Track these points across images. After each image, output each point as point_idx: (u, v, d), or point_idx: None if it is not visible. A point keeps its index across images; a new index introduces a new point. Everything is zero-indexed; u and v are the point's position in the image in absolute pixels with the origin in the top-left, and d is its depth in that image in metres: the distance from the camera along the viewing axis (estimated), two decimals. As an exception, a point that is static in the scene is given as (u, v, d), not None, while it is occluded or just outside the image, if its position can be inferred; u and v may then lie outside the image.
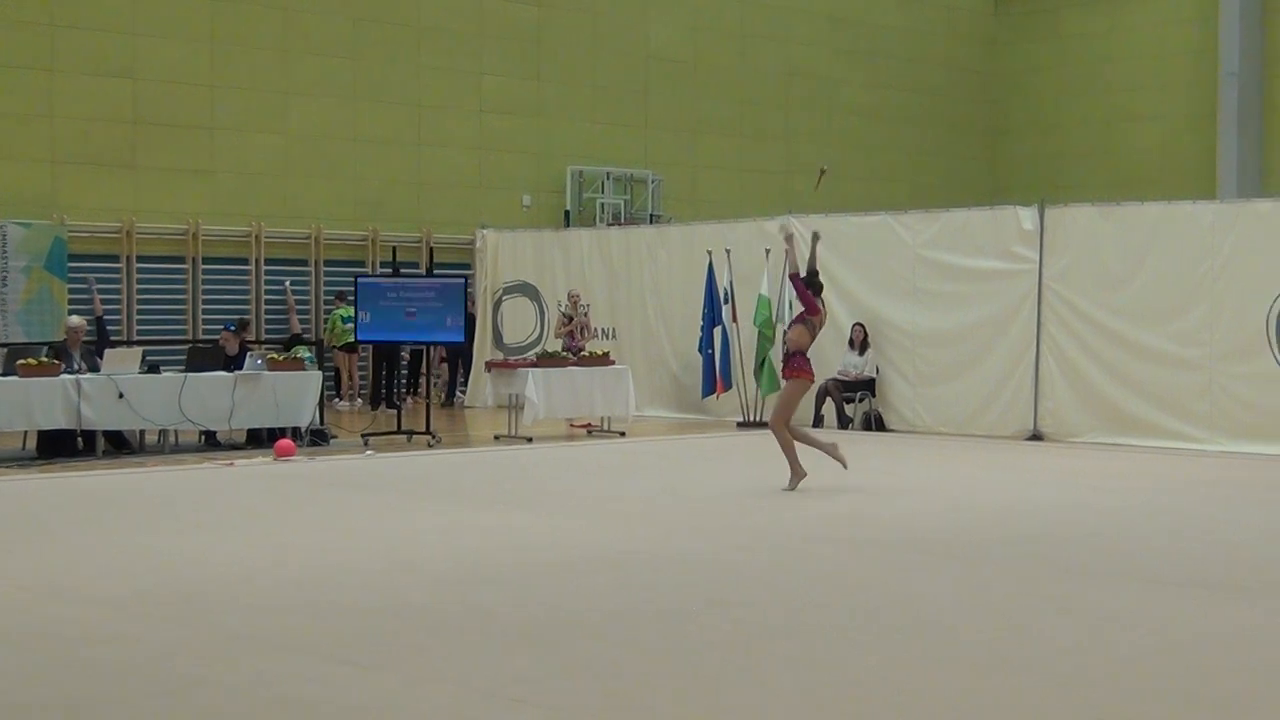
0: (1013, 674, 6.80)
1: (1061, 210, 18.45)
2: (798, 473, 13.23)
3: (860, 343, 19.55)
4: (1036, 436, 18.17)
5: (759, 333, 19.96)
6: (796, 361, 13.35)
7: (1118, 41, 31.67)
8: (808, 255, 14.03)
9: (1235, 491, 13.57)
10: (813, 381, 13.82)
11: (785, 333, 14.29)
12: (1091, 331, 17.89)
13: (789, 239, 13.93)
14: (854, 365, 19.55)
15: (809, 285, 13.47)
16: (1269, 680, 6.71)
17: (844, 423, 19.53)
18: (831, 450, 13.33)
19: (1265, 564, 9.83)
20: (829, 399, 19.60)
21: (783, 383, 14.04)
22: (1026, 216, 18.51)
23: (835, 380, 19.58)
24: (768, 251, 20.22)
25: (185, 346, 18.96)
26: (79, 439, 16.22)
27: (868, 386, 19.58)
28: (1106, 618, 8.01)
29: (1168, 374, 17.21)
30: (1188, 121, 30.45)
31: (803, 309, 13.52)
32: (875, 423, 19.50)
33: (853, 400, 19.58)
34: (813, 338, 13.53)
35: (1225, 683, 6.67)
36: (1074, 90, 32.27)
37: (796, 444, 13.31)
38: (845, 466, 13.41)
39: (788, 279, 13.85)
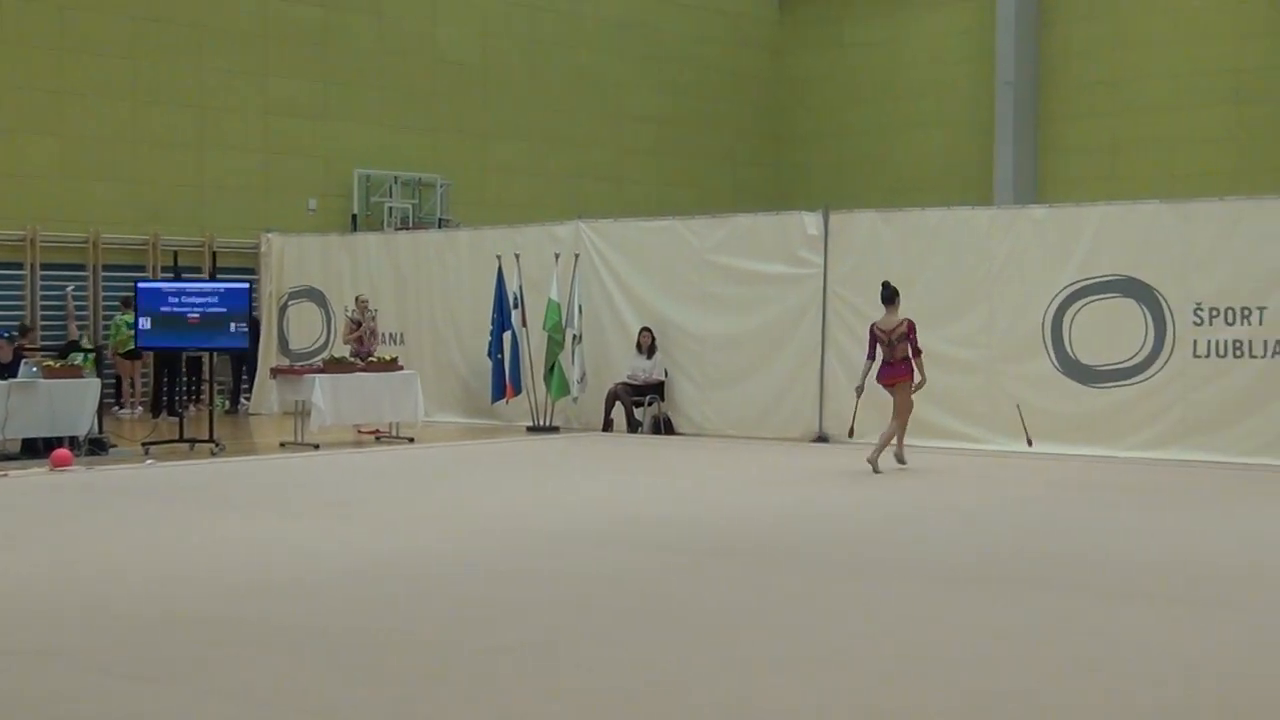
0: (792, 674, 6.87)
1: (845, 215, 18.79)
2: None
3: (648, 347, 19.66)
4: (822, 438, 18.45)
5: (549, 337, 19.96)
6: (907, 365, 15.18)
7: (899, 50, 32.32)
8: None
9: (1012, 490, 13.92)
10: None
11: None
12: (874, 334, 18.20)
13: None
14: (642, 369, 19.66)
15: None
16: (1051, 673, 6.87)
17: (633, 426, 19.63)
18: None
19: (1041, 559, 10.09)
20: (618, 403, 19.69)
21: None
22: (811, 222, 18.81)
23: (624, 384, 19.68)
24: (557, 256, 20.25)
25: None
26: None
27: (656, 390, 19.70)
28: (899, 615, 8.15)
29: (948, 376, 17.58)
30: (966, 129, 31.19)
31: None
32: (664, 426, 19.63)
33: (641, 404, 19.68)
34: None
35: (1010, 677, 6.82)
36: (857, 98, 32.86)
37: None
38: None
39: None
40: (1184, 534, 11.33)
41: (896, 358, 15.20)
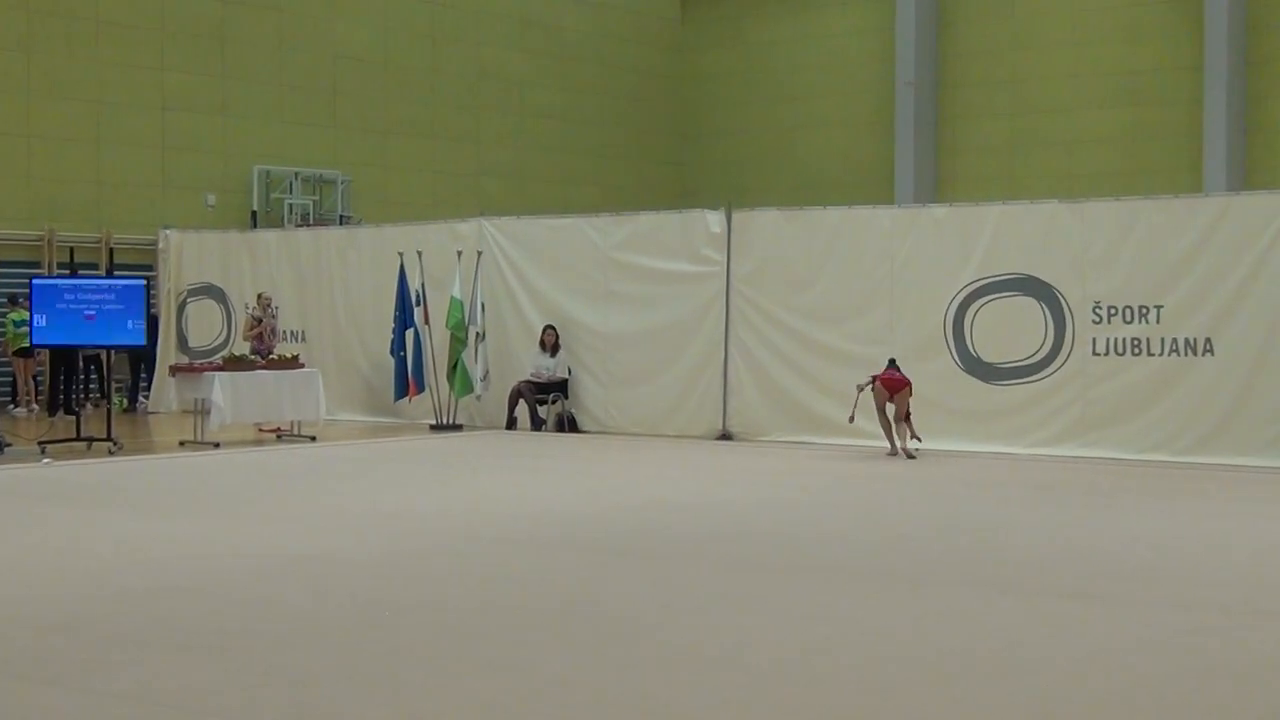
0: (711, 672, 6.88)
1: (748, 214, 18.85)
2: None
3: (552, 345, 19.63)
4: (726, 436, 18.50)
5: (451, 335, 19.87)
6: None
7: (801, 50, 32.50)
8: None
9: (912, 487, 14.02)
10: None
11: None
12: (777, 332, 18.32)
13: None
14: (545, 367, 19.62)
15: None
16: (948, 669, 6.92)
17: (537, 424, 19.59)
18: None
19: (938, 556, 10.17)
20: (521, 401, 19.64)
21: None
22: (714, 220, 18.86)
23: (527, 382, 19.63)
24: (460, 253, 20.16)
25: None
26: None
27: (560, 388, 19.67)
28: (801, 613, 8.18)
29: (850, 373, 17.68)
30: (867, 128, 31.42)
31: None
32: (568, 424, 19.60)
33: (545, 402, 19.64)
34: None
35: (908, 672, 6.86)
36: (759, 96, 33.01)
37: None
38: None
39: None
40: (1079, 529, 11.45)
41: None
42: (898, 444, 16.42)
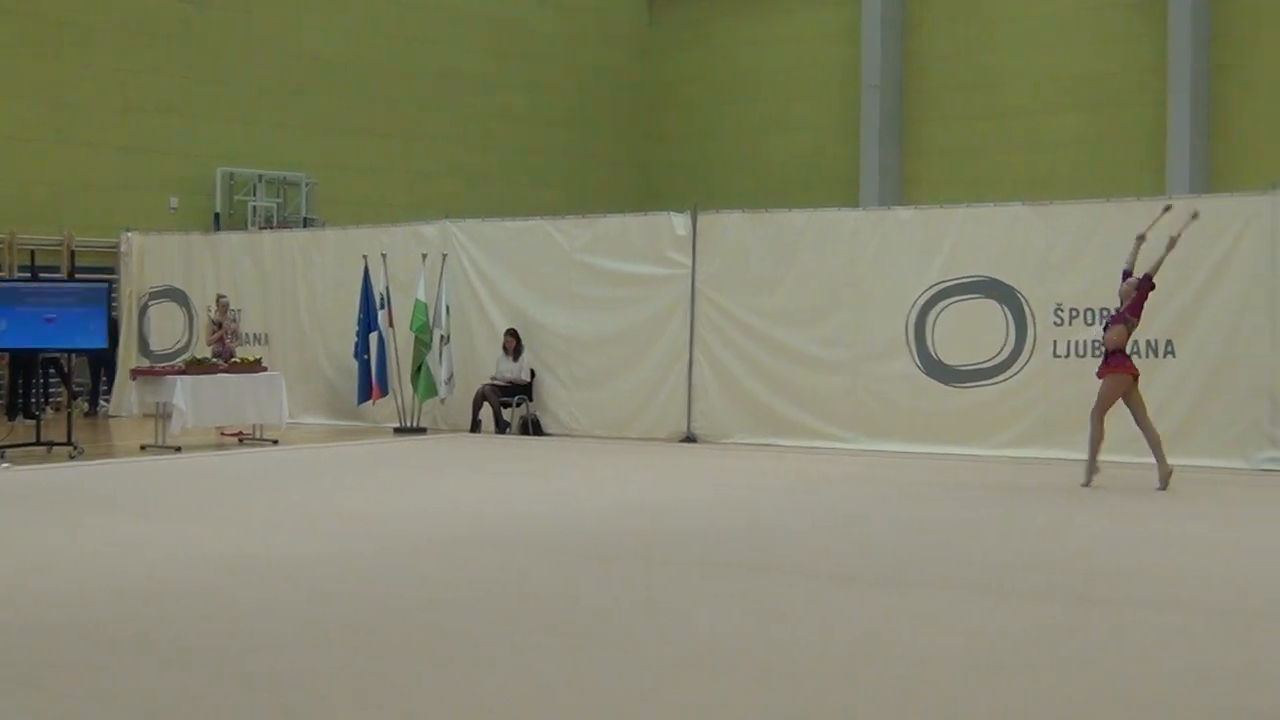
0: (680, 671, 6.85)
1: (713, 216, 18.85)
2: (1094, 468, 14.07)
3: (514, 349, 19.58)
4: (690, 438, 18.50)
5: (416, 338, 19.81)
6: (1116, 359, 13.94)
7: (767, 53, 32.51)
8: (1158, 259, 14.14)
9: (875, 489, 14.03)
10: (1136, 375, 14.12)
11: (1105, 332, 14.37)
12: (741, 335, 18.32)
13: (1141, 238, 14.21)
14: (508, 370, 19.58)
15: (1151, 287, 14.04)
16: (917, 668, 6.92)
17: (501, 427, 19.55)
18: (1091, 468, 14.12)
19: (903, 557, 10.17)
20: (486, 404, 19.60)
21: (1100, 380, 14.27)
22: (679, 222, 18.85)
23: (491, 385, 19.59)
24: (424, 256, 20.11)
25: None
26: None
27: (524, 391, 19.62)
28: (770, 612, 8.16)
29: (813, 376, 17.75)
30: (833, 132, 31.45)
31: (1126, 310, 14.02)
32: (532, 427, 19.56)
33: (510, 404, 19.60)
34: (1130, 337, 14.17)
35: (883, 670, 6.85)
36: (725, 99, 33.01)
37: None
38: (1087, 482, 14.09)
39: (1135, 278, 14.10)
40: (1042, 531, 11.47)
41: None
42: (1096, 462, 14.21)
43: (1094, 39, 28.61)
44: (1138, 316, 14.14)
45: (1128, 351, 14.14)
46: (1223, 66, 27.25)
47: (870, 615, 8.23)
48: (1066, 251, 16.63)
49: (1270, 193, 15.77)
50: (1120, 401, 14.04)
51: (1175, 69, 27.19)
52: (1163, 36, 27.51)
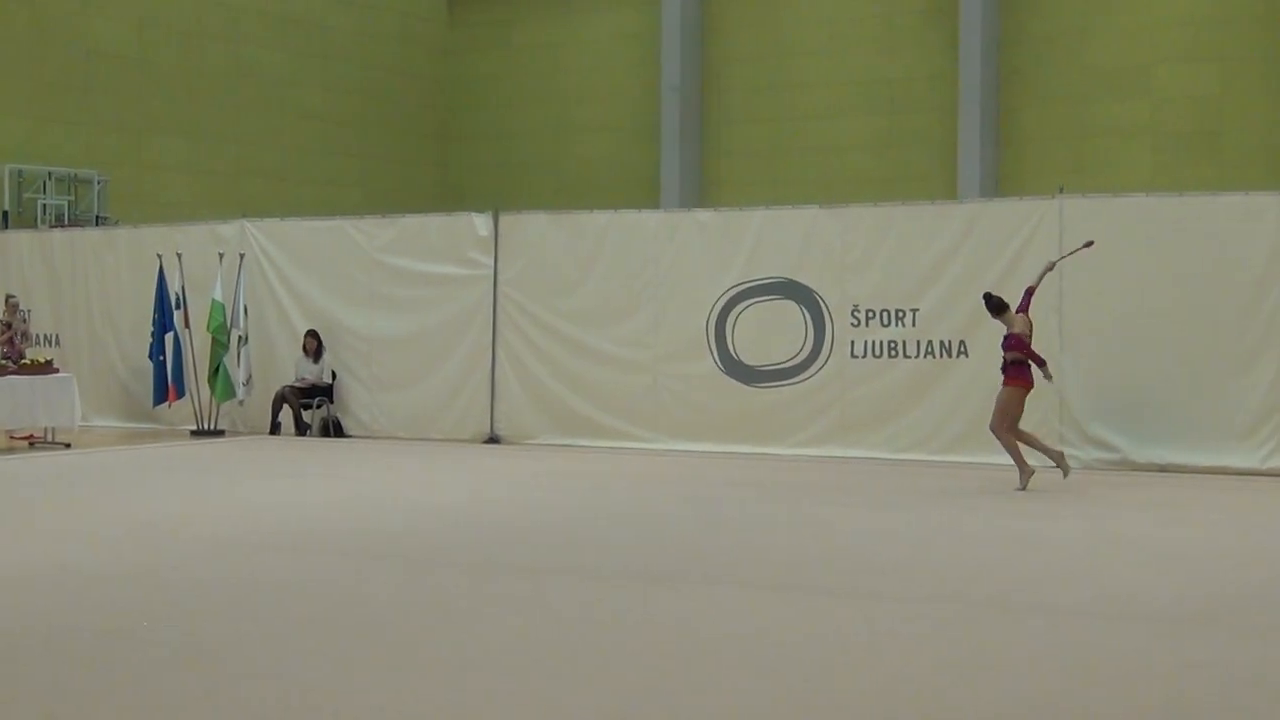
0: (464, 674, 6.87)
1: (515, 217, 18.88)
2: (1025, 470, 13.95)
3: (314, 351, 19.38)
4: (494, 439, 18.50)
5: (213, 339, 19.50)
6: (1015, 370, 13.94)
7: (568, 54, 32.57)
8: (1039, 275, 14.49)
9: (675, 488, 14.17)
10: (1030, 388, 14.09)
11: (1005, 343, 14.12)
12: (544, 335, 18.37)
13: (1050, 266, 14.63)
14: (309, 372, 19.38)
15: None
16: (713, 663, 7.02)
17: (302, 429, 19.35)
18: (1058, 459, 14.08)
19: (700, 555, 10.31)
20: (285, 405, 19.38)
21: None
22: (481, 223, 18.84)
23: (292, 387, 19.38)
24: (221, 256, 19.80)
25: None
26: None
27: (325, 393, 19.43)
28: (567, 614, 8.22)
29: (615, 376, 17.87)
30: (633, 133, 31.63)
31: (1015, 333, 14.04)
32: (333, 428, 19.39)
33: (310, 406, 19.40)
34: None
35: (676, 666, 6.94)
36: (526, 100, 32.98)
37: (1021, 445, 14.04)
38: (1065, 476, 14.07)
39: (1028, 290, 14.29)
40: (836, 527, 11.71)
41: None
42: (1026, 461, 14.14)
43: (886, 45, 29.17)
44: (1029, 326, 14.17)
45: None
46: (1011, 73, 27.99)
47: (669, 612, 8.33)
48: (862, 253, 16.97)
49: (1058, 197, 16.26)
50: (1017, 406, 14.10)
51: (965, 75, 27.85)
52: (953, 43, 28.16)
